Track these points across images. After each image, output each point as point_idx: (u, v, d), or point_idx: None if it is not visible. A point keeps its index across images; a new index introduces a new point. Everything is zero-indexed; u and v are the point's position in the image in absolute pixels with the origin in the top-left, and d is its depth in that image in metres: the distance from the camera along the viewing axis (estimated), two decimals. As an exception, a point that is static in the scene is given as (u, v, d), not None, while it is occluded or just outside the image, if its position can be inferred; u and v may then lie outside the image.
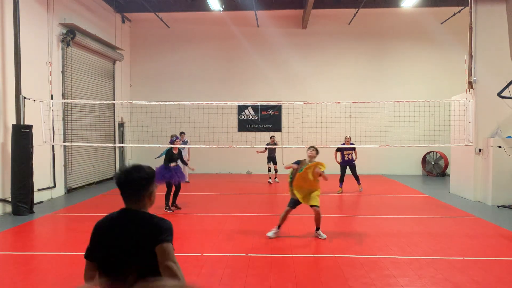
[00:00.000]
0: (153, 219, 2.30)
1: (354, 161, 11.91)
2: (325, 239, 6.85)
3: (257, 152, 13.84)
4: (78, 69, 12.71)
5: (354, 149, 11.78)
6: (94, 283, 2.30)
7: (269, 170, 14.12)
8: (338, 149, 11.92)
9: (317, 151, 7.72)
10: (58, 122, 11.33)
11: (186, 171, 14.03)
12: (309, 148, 7.61)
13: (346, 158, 11.86)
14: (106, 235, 2.38)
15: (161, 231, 2.23)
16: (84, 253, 2.40)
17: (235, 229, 7.51)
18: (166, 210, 9.15)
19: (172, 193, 9.29)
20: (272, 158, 13.89)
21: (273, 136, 14.15)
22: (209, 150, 15.04)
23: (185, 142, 13.09)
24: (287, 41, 16.64)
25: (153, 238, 2.19)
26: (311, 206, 7.02)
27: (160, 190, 9.67)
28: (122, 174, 2.40)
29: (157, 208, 9.45)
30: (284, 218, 7.05)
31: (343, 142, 11.86)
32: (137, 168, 2.38)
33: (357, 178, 12.01)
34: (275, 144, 13.64)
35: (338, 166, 11.99)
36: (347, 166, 11.89)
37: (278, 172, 14.10)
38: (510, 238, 6.87)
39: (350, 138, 11.87)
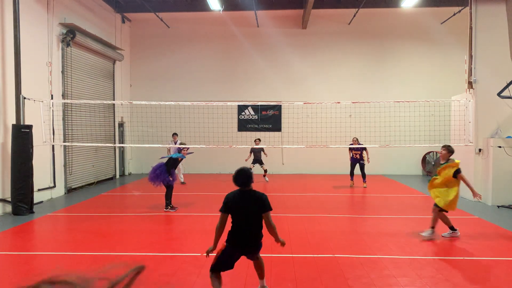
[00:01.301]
0: (261, 194, 4.30)
1: (362, 160, 12.68)
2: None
3: (246, 160, 13.79)
4: (78, 69, 12.71)
5: (364, 149, 12.53)
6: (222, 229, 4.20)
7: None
8: (350, 148, 12.84)
9: (448, 150, 6.80)
10: (58, 122, 11.33)
11: (180, 173, 14.10)
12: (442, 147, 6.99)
13: (354, 157, 12.77)
14: (239, 200, 4.23)
15: (266, 203, 4.23)
16: (221, 209, 4.25)
17: (235, 229, 7.50)
18: (166, 209, 9.19)
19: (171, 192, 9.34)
20: (257, 161, 13.88)
21: (258, 139, 14.00)
22: (209, 150, 15.04)
23: (177, 144, 13.08)
24: (287, 41, 16.64)
25: (263, 206, 4.21)
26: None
27: (159, 190, 9.70)
28: (240, 177, 4.26)
29: (157, 208, 9.46)
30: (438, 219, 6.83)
31: (351, 142, 12.59)
32: (245, 170, 4.30)
33: (363, 175, 12.83)
34: (260, 147, 13.59)
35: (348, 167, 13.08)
36: (356, 164, 12.85)
37: (265, 171, 14.19)
38: (510, 238, 6.87)
39: (356, 139, 12.56)
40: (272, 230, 4.22)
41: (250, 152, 13.83)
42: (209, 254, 4.21)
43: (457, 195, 6.64)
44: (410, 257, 5.89)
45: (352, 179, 13.02)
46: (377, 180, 14.65)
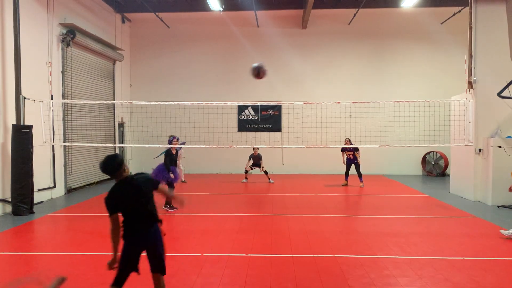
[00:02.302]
0: (138, 177, 3.85)
1: (356, 160, 12.74)
2: None
3: (246, 168, 14.17)
4: (78, 69, 12.71)
5: (356, 150, 12.63)
6: (119, 225, 3.71)
7: (247, 171, 14.35)
8: (343, 150, 13.02)
9: None
10: (58, 122, 11.33)
11: (181, 171, 14.10)
12: None
13: (348, 157, 12.98)
14: (120, 195, 3.73)
15: (151, 181, 3.93)
16: (108, 213, 3.67)
17: (235, 229, 7.51)
18: (167, 208, 9.21)
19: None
20: (257, 165, 14.11)
21: (256, 147, 13.93)
22: (209, 150, 15.04)
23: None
24: (287, 41, 16.64)
25: (149, 187, 3.89)
26: None
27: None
28: (105, 165, 3.72)
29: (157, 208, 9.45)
30: None
31: (344, 143, 12.62)
32: (112, 158, 3.73)
33: (359, 175, 12.87)
34: (258, 155, 13.88)
35: (344, 166, 13.17)
36: (351, 165, 12.94)
37: (266, 173, 14.14)
38: (510, 238, 6.87)
39: (349, 139, 12.66)
40: (168, 194, 4.47)
41: (249, 159, 14.13)
42: (113, 267, 3.75)
43: None
44: (410, 257, 5.89)
45: (346, 179, 13.16)
46: (377, 180, 14.65)
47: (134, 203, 3.73)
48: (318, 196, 11.30)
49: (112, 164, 3.72)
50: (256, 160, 14.07)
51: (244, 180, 14.33)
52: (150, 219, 3.85)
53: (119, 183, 3.77)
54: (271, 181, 13.97)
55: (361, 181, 12.88)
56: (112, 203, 3.69)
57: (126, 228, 3.75)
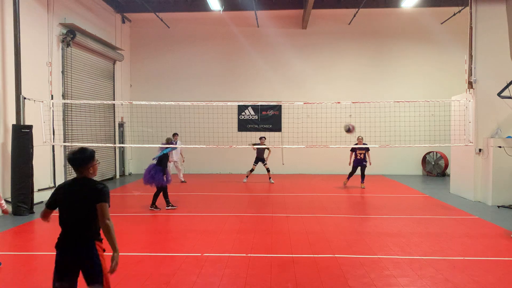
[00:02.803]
0: (95, 184, 3.29)
1: (365, 161, 12.58)
2: None
3: (253, 147, 13.17)
4: (78, 69, 12.71)
5: (367, 149, 12.47)
6: (47, 220, 3.41)
7: (252, 170, 14.06)
8: (352, 149, 12.53)
9: None
10: (58, 122, 11.33)
11: (180, 172, 14.13)
12: None
13: (358, 157, 12.54)
14: (64, 193, 3.31)
15: (100, 194, 3.23)
16: (46, 204, 3.37)
17: (235, 229, 7.51)
18: (167, 208, 9.29)
19: (160, 193, 9.41)
20: (260, 159, 13.81)
21: (263, 137, 13.92)
22: (209, 150, 15.04)
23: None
24: (287, 41, 16.64)
25: (94, 197, 3.22)
26: None
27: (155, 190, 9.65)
28: (72, 154, 3.32)
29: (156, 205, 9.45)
30: None
31: (355, 142, 12.32)
32: (83, 150, 3.35)
33: (363, 176, 12.78)
34: (264, 146, 13.40)
35: (348, 167, 12.98)
36: (358, 167, 12.64)
37: (268, 171, 13.94)
38: (510, 238, 6.87)
39: (362, 138, 12.43)
40: (107, 230, 3.21)
41: (254, 146, 13.11)
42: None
43: None
44: (410, 257, 5.89)
45: (348, 178, 12.94)
46: (377, 180, 14.65)
47: (74, 208, 3.21)
48: (318, 196, 11.30)
49: (82, 157, 3.28)
50: (261, 152, 13.71)
51: (245, 180, 14.19)
52: (85, 234, 3.24)
53: (74, 180, 3.33)
54: (272, 181, 13.95)
55: (363, 182, 12.76)
56: (53, 197, 3.32)
57: (60, 235, 3.26)
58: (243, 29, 16.71)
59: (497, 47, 10.10)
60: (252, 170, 14.03)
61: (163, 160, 9.25)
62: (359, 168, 12.68)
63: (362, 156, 12.55)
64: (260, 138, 13.79)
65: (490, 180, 10.04)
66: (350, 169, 12.92)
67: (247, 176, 14.20)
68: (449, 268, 5.38)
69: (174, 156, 13.25)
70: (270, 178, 13.98)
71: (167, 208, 9.31)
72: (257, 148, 13.52)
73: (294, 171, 16.61)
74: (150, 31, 16.98)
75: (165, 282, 4.88)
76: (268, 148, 13.63)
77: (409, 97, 14.68)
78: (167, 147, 9.40)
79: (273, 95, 16.52)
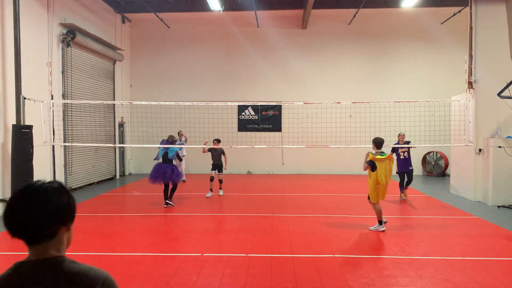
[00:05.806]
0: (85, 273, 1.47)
1: (411, 166, 10.52)
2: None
3: (204, 149, 10.91)
4: (78, 69, 12.71)
5: (409, 148, 10.42)
6: None
7: (211, 179, 10.92)
8: (393, 150, 10.27)
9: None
10: (58, 122, 11.33)
11: (183, 170, 14.17)
12: None
13: (402, 157, 10.40)
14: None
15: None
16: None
17: (235, 229, 7.51)
18: (166, 206, 9.35)
19: (169, 189, 9.64)
20: (216, 166, 10.97)
21: (216, 139, 11.03)
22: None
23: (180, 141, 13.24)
24: (287, 41, 16.65)
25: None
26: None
27: (160, 190, 9.72)
28: (18, 207, 1.37)
29: (157, 208, 9.45)
30: None
31: (397, 141, 10.64)
32: (52, 189, 1.42)
33: (407, 184, 10.69)
34: (220, 149, 10.91)
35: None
36: (405, 174, 10.53)
37: (221, 182, 11.27)
38: (510, 238, 6.87)
39: (404, 135, 10.57)
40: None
41: (208, 151, 10.98)
42: None
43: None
44: (410, 257, 5.89)
45: (402, 190, 10.63)
46: (377, 180, 14.63)
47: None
48: (318, 196, 11.30)
49: (46, 210, 1.40)
50: (217, 157, 10.92)
51: (208, 195, 10.93)
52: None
53: (20, 272, 1.44)
54: (221, 193, 11.22)
55: (404, 191, 10.63)
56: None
57: None
58: (243, 29, 16.71)
59: (497, 47, 10.10)
60: (211, 179, 10.91)
61: (178, 157, 9.67)
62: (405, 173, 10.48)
63: (406, 155, 10.38)
64: (213, 141, 10.97)
65: (490, 180, 10.04)
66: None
67: (211, 189, 11.00)
68: (449, 268, 5.38)
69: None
70: (220, 188, 11.32)
71: (165, 206, 9.46)
72: (211, 153, 10.93)
73: (294, 171, 16.61)
74: (150, 31, 16.98)
75: (165, 282, 4.88)
76: (223, 153, 11.02)
77: (409, 97, 14.67)
78: (173, 146, 9.60)
79: (273, 95, 16.53)
